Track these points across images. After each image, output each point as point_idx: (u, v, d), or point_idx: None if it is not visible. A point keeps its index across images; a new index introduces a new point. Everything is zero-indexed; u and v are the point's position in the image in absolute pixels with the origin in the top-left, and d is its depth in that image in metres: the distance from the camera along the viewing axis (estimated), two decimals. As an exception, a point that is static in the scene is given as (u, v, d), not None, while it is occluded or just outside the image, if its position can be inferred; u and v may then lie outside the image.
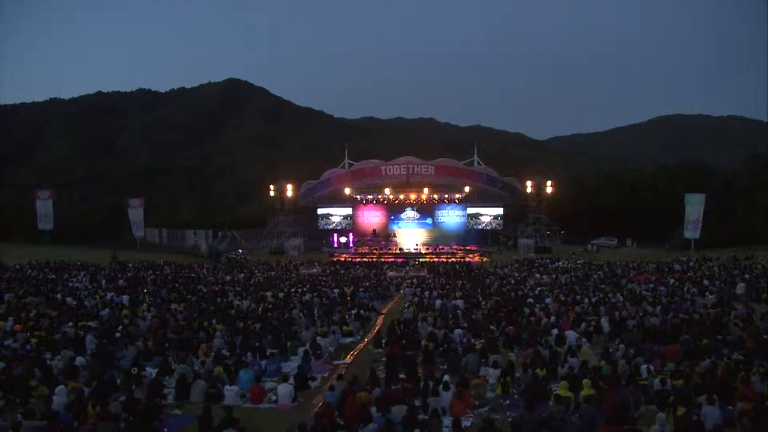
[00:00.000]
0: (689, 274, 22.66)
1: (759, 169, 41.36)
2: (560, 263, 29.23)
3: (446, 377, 8.46)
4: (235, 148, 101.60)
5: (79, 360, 9.69)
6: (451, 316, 14.38)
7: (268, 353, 10.71)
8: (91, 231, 48.50)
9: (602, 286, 20.39)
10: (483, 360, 10.23)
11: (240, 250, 38.96)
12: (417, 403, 7.78)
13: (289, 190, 40.75)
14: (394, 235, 41.80)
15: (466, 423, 7.33)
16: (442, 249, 38.70)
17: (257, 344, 11.06)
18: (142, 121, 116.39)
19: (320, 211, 42.74)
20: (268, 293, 18.81)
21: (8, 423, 6.67)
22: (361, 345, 12.62)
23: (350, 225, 42.45)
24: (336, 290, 19.83)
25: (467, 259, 35.34)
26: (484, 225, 41.48)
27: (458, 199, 40.98)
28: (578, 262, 29.95)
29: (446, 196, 41.15)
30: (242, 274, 26.39)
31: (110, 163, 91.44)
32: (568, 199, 49.22)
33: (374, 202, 41.95)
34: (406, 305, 17.24)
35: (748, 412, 6.63)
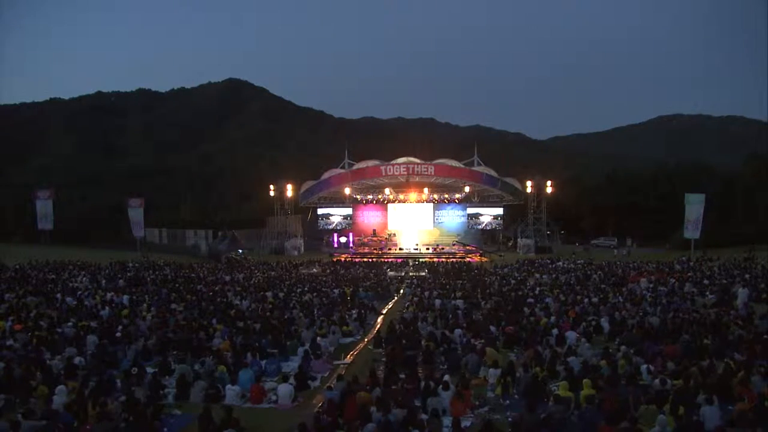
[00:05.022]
0: (689, 274, 22.66)
1: (759, 169, 41.33)
2: (560, 263, 29.22)
3: (446, 377, 8.47)
4: (235, 148, 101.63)
5: (79, 360, 9.69)
6: (451, 316, 14.38)
7: (268, 353, 10.71)
8: (91, 231, 48.46)
9: (602, 286, 20.38)
10: (483, 360, 10.23)
11: (240, 250, 38.97)
12: (417, 403, 7.79)
13: (289, 190, 40.77)
14: (394, 235, 41.83)
15: (466, 423, 7.33)
16: (442, 249, 38.72)
17: (257, 344, 11.06)
18: (142, 121, 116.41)
19: (320, 211, 42.79)
20: (268, 293, 18.80)
21: (8, 423, 6.66)
22: (361, 345, 12.61)
23: (350, 225, 42.48)
24: (336, 290, 19.83)
25: (467, 259, 35.35)
26: (484, 225, 41.51)
27: (458, 199, 41.04)
28: (578, 262, 29.94)
29: (446, 196, 41.24)
30: (242, 274, 26.37)
31: (110, 163, 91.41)
32: (568, 199, 49.24)
33: (374, 202, 42.02)
34: (406, 305, 17.24)
35: (747, 412, 6.63)
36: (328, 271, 28.85)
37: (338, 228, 42.56)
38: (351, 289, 20.09)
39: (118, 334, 11.89)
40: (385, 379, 8.72)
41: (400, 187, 40.67)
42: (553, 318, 13.54)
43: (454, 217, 42.35)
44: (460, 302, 16.42)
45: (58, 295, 17.39)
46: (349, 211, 42.51)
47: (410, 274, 28.07)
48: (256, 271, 28.32)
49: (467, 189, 40.18)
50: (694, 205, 32.42)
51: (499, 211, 40.98)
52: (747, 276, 20.61)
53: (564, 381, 8.19)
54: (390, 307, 18.33)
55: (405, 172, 37.84)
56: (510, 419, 7.53)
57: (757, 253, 28.06)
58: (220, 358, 9.98)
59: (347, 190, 40.37)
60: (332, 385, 8.39)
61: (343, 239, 42.07)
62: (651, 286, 19.46)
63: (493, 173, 38.96)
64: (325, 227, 42.96)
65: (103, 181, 78.12)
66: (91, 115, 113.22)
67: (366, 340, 13.11)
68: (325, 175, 40.98)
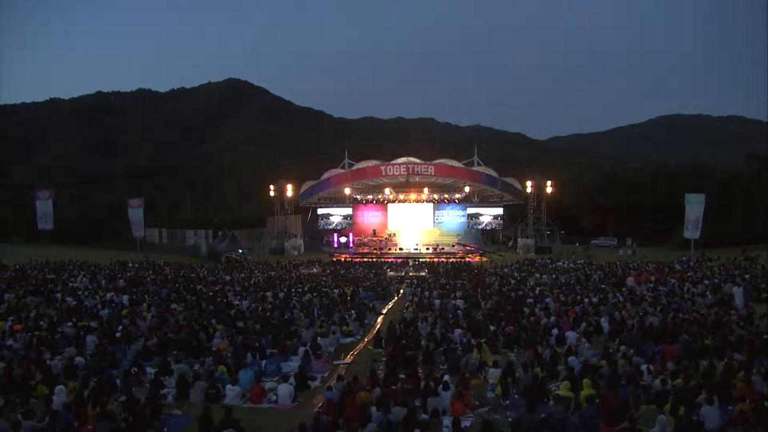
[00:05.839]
0: (689, 274, 22.65)
1: (759, 169, 41.35)
2: (560, 263, 29.21)
3: (446, 377, 8.47)
4: (235, 148, 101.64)
5: (79, 360, 9.69)
6: (451, 316, 14.38)
7: (268, 353, 10.71)
8: (91, 231, 48.47)
9: (602, 286, 20.37)
10: (478, 356, 10.24)
11: (240, 250, 38.96)
12: (417, 403, 7.79)
13: (289, 190, 40.79)
14: (394, 235, 41.83)
15: (466, 423, 7.33)
16: (442, 249, 38.72)
17: (257, 344, 11.06)
18: (142, 121, 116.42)
19: (320, 211, 42.80)
20: (268, 293, 18.80)
21: (8, 423, 6.66)
22: (361, 345, 12.62)
23: (350, 225, 42.48)
24: (336, 290, 19.83)
25: (467, 259, 35.35)
26: (484, 225, 41.50)
27: (458, 199, 41.04)
28: (578, 262, 29.93)
29: (446, 196, 41.24)
30: (242, 274, 26.38)
31: (110, 163, 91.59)
32: (568, 199, 49.26)
33: (374, 202, 42.02)
34: (406, 305, 17.24)
35: (748, 412, 6.62)
36: (328, 271, 28.85)
37: (338, 228, 42.55)
38: (351, 289, 20.10)
39: (118, 334, 11.88)
40: (385, 379, 8.72)
41: (400, 187, 40.66)
42: (553, 318, 13.54)
43: (454, 217, 42.35)
44: (460, 302, 16.41)
45: (58, 295, 17.37)
46: (349, 211, 42.51)
47: (410, 274, 28.06)
48: (256, 271, 28.31)
49: (467, 189, 40.17)
50: (694, 205, 32.42)
51: (499, 211, 40.98)
52: (747, 276, 20.60)
53: (565, 381, 8.19)
54: (390, 307, 18.32)
55: (405, 172, 37.82)
56: (510, 419, 7.53)
57: (753, 253, 28.06)
58: (220, 358, 9.99)
59: (347, 190, 40.36)
60: (332, 385, 8.39)
61: (343, 239, 42.06)
62: (650, 286, 19.45)
63: (493, 173, 38.95)
64: (325, 227, 42.97)
65: (103, 181, 78.25)
66: (91, 115, 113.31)
67: (366, 340, 13.11)
68: (325, 175, 40.97)
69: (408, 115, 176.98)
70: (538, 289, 19.74)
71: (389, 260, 34.78)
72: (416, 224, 42.11)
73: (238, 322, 13.44)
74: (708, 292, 17.57)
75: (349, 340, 12.94)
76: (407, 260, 34.27)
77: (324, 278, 25.00)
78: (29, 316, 13.87)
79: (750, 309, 14.34)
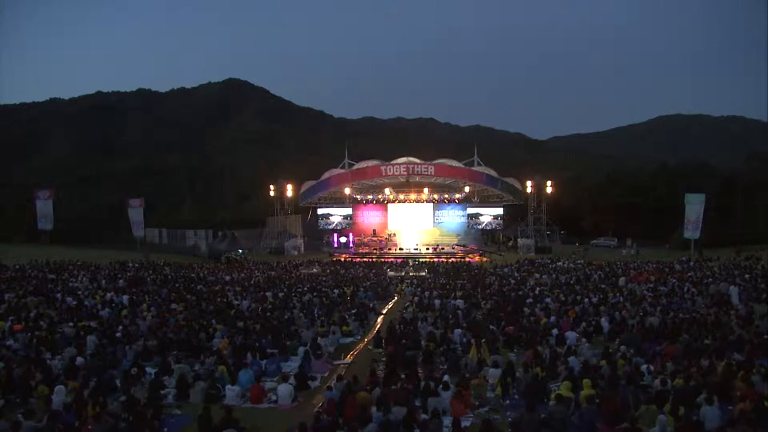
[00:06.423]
0: (689, 274, 22.64)
1: (759, 169, 41.37)
2: (560, 263, 29.21)
3: (446, 377, 8.47)
4: (235, 148, 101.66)
5: (79, 360, 9.69)
6: (451, 316, 14.38)
7: (268, 353, 10.71)
8: (91, 231, 48.42)
9: (602, 286, 20.37)
10: (476, 354, 10.24)
11: (240, 250, 38.96)
12: (417, 403, 7.79)
13: (289, 190, 40.80)
14: (394, 235, 41.83)
15: (466, 423, 7.33)
16: (442, 249, 38.72)
17: (257, 344, 11.06)
18: (142, 121, 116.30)
19: (320, 211, 42.79)
20: (268, 293, 18.80)
21: (8, 423, 6.66)
22: (361, 345, 12.62)
23: (350, 225, 42.47)
24: (336, 290, 19.83)
25: (467, 259, 35.34)
26: (484, 225, 41.51)
27: (458, 199, 41.05)
28: (578, 262, 29.92)
29: (446, 196, 41.24)
30: (242, 274, 26.37)
31: (110, 163, 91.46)
32: (568, 199, 49.24)
33: (374, 202, 42.02)
34: (406, 305, 17.25)
35: (748, 412, 6.62)
36: (328, 271, 28.85)
37: (338, 228, 42.54)
38: (351, 289, 20.09)
39: (118, 335, 11.88)
40: (385, 379, 8.72)
41: (400, 187, 40.67)
42: (553, 318, 13.55)
43: (454, 217, 42.35)
44: (460, 302, 16.41)
45: (58, 295, 17.38)
46: (349, 211, 42.50)
47: (410, 274, 28.05)
48: (256, 271, 28.31)
49: (467, 189, 40.18)
50: (694, 205, 32.41)
51: (499, 211, 40.98)
52: (747, 276, 20.59)
53: (566, 381, 8.19)
54: (390, 307, 18.33)
55: (405, 172, 37.82)
56: (510, 419, 7.54)
57: (754, 254, 28.03)
58: (220, 358, 9.99)
59: (347, 190, 40.36)
60: (332, 385, 8.40)
61: (343, 239, 42.06)
62: (650, 286, 19.43)
63: (493, 173, 38.94)
64: (325, 227, 42.96)
65: (103, 181, 78.19)
66: (91, 115, 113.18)
67: (366, 340, 13.11)
68: (325, 175, 40.96)
69: (408, 115, 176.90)
70: (538, 289, 19.74)
71: (389, 260, 34.77)
72: (416, 224, 42.10)
73: (238, 322, 13.44)
74: (705, 292, 17.57)
75: (349, 340, 12.95)
76: (407, 260, 34.26)
77: (324, 278, 25.00)
78: (29, 316, 13.87)
79: (750, 309, 14.34)
